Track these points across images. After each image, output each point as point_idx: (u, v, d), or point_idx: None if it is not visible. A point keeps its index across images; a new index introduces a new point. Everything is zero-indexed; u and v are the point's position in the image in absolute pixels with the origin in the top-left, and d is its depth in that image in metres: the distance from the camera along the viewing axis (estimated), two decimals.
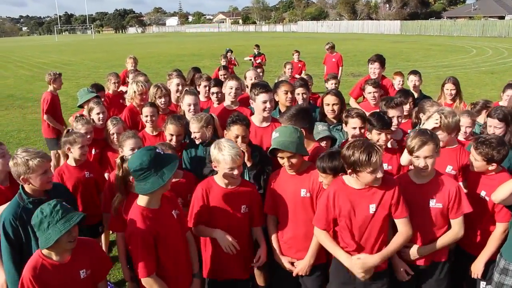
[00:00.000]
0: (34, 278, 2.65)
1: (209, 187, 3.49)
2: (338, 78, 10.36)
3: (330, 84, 7.31)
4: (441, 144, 3.72)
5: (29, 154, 3.14)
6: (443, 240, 3.32)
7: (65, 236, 2.62)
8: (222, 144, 3.36)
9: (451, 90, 6.10)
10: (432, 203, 3.27)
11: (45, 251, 2.72)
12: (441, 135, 3.71)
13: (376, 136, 3.86)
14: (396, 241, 3.21)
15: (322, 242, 3.38)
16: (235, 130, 3.86)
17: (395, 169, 3.93)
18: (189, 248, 3.38)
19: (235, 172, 3.36)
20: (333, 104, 4.87)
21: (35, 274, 2.66)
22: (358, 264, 3.18)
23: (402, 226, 3.19)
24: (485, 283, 3.60)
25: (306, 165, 3.56)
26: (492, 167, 3.47)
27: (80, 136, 4.28)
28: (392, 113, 4.31)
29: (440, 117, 3.74)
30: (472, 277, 3.61)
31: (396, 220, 3.20)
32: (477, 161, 3.50)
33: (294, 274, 3.59)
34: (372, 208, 3.14)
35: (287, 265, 3.61)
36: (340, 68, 12.54)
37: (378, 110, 4.26)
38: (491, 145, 3.40)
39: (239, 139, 3.86)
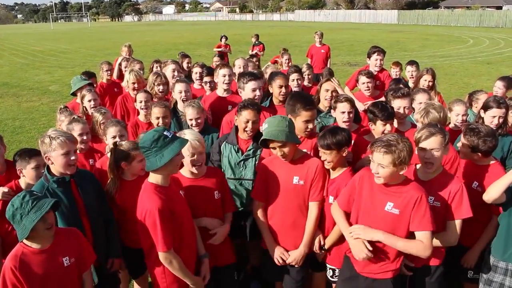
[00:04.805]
0: (15, 267, 2.62)
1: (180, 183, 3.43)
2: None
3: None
4: None
5: (56, 133, 3.21)
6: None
7: (40, 224, 2.59)
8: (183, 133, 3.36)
9: (428, 81, 5.75)
10: (430, 201, 3.06)
11: (26, 242, 2.70)
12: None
13: (381, 127, 3.77)
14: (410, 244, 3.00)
15: (336, 219, 3.31)
16: (246, 114, 3.80)
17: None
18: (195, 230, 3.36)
19: (196, 157, 3.36)
20: (332, 91, 4.81)
21: (16, 263, 2.63)
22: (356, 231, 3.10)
23: (422, 239, 2.94)
24: (472, 272, 3.59)
25: (300, 154, 3.53)
26: (477, 156, 3.42)
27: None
28: (399, 103, 4.13)
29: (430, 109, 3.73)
30: (464, 267, 3.59)
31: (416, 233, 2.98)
32: (463, 147, 3.47)
33: (287, 262, 3.55)
34: (389, 206, 3.00)
35: (278, 257, 3.55)
36: (329, 60, 11.94)
37: (381, 100, 4.17)
38: (478, 134, 3.34)
39: (249, 124, 3.82)
